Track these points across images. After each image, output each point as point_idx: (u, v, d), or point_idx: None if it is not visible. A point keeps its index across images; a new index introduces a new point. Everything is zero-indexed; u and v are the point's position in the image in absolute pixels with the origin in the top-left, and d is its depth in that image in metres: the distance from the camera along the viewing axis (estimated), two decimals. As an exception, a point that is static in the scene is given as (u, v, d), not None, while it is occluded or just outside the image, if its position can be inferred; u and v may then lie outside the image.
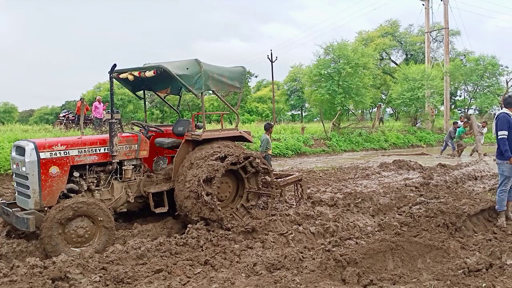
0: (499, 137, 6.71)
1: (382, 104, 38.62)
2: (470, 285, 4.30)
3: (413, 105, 29.25)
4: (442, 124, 32.66)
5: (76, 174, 6.26)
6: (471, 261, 4.96)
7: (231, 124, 28.24)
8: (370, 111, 47.31)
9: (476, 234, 6.48)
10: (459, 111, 44.43)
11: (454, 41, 43.49)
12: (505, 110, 6.83)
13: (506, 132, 6.63)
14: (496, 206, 6.97)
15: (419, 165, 13.97)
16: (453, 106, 43.30)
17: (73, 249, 5.69)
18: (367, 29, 47.26)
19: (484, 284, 4.24)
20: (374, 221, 7.41)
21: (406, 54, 47.58)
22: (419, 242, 5.42)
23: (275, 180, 7.66)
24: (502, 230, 6.54)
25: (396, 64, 46.35)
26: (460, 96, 46.29)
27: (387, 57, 47.38)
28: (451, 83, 33.87)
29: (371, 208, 7.96)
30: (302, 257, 5.32)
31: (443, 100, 31.99)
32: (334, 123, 25.58)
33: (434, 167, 13.74)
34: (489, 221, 6.99)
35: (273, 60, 33.00)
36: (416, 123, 31.17)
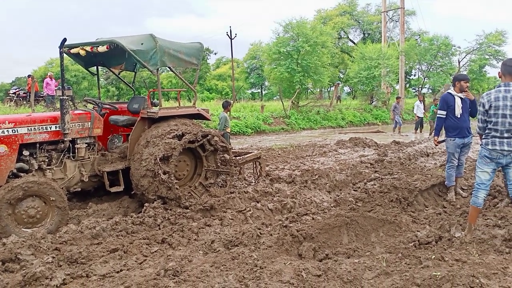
0: (437, 116, 7.20)
1: (340, 82, 39.14)
2: (420, 257, 4.47)
3: (369, 83, 29.81)
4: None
5: (26, 153, 6.01)
6: (421, 234, 5.17)
7: (190, 101, 27.90)
8: (328, 89, 47.88)
9: (427, 209, 6.73)
10: (413, 90, 45.74)
11: (410, 21, 44.50)
12: (450, 90, 7.11)
13: (444, 112, 7.01)
14: (446, 182, 7.25)
15: (375, 143, 14.32)
16: (407, 85, 44.47)
17: (24, 230, 5.51)
18: (325, 8, 47.42)
19: (433, 256, 4.43)
20: (330, 197, 7.56)
21: (364, 33, 48.23)
22: (373, 217, 5.58)
23: (234, 158, 7.65)
24: (451, 204, 6.82)
25: (354, 43, 46.95)
26: (414, 76, 47.57)
27: (345, 36, 47.87)
28: (406, 62, 34.71)
29: (327, 184, 8.12)
30: (260, 233, 5.37)
31: (398, 79, 32.78)
32: (293, 102, 25.76)
33: (388, 144, 14.13)
34: (440, 195, 7.27)
35: (232, 37, 32.63)
36: (372, 102, 31.86)
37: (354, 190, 7.96)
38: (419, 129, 20.09)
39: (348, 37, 48.40)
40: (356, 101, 34.16)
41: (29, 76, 22.10)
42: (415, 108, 20.41)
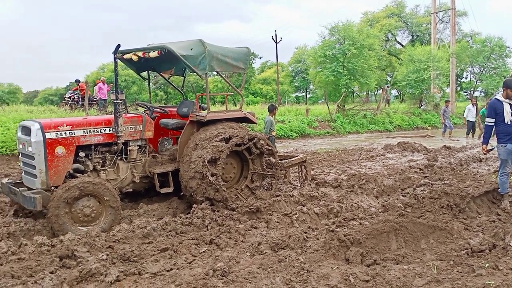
0: (485, 123, 6.98)
1: (389, 85, 38.29)
2: (473, 265, 4.34)
3: (418, 87, 29.03)
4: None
5: (82, 154, 6.31)
6: (474, 242, 5.00)
7: (235, 105, 28.18)
8: (375, 93, 47.02)
9: (479, 216, 6.50)
10: (465, 93, 44.12)
11: (461, 22, 42.97)
12: (498, 95, 6.87)
13: (492, 120, 6.79)
14: (499, 189, 6.98)
15: (424, 147, 13.94)
16: (458, 88, 42.94)
17: (80, 228, 5.76)
18: (372, 10, 46.60)
19: (487, 265, 4.28)
20: (378, 202, 7.44)
21: (412, 35, 47.03)
22: (422, 223, 5.46)
23: (279, 161, 7.69)
24: (506, 212, 6.56)
25: (402, 46, 45.87)
26: (466, 78, 45.89)
27: (392, 38, 46.87)
28: (457, 65, 33.54)
29: (375, 189, 8.00)
30: (306, 237, 5.38)
31: (449, 82, 31.74)
32: (339, 105, 25.48)
33: (439, 149, 13.72)
34: (493, 203, 7.00)
35: (277, 41, 32.72)
36: (421, 105, 31.00)
37: (402, 196, 7.80)
38: (470, 133, 19.36)
39: (395, 39, 47.38)
40: (404, 105, 33.33)
41: (76, 81, 23.00)
42: (466, 111, 19.70)
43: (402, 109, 30.29)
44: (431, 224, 5.47)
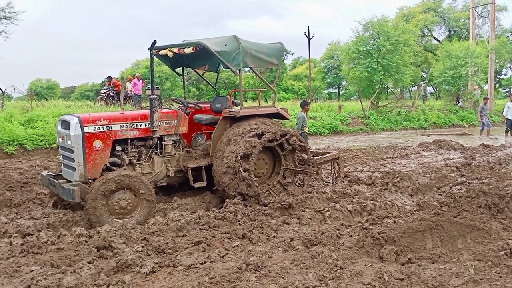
0: None
1: (425, 82, 37.39)
2: (512, 266, 4.21)
3: (455, 83, 28.25)
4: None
5: (118, 148, 6.46)
6: (514, 243, 4.85)
7: (266, 102, 28.19)
8: (410, 89, 46.03)
9: (519, 216, 6.28)
10: (504, 90, 42.67)
11: (500, 17, 41.65)
12: None
13: None
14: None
15: (461, 145, 13.57)
16: (497, 85, 41.58)
17: (116, 220, 5.91)
18: (408, 5, 45.57)
19: (527, 266, 4.15)
20: (413, 201, 7.31)
21: (449, 31, 45.73)
22: (459, 222, 5.32)
23: (312, 158, 7.65)
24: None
25: (439, 41, 44.68)
26: (505, 75, 44.37)
27: (429, 34, 45.68)
28: (496, 61, 32.49)
29: (409, 187, 7.86)
30: (339, 234, 5.34)
31: (487, 79, 30.75)
32: (373, 102, 25.09)
33: (476, 147, 13.33)
34: (535, 203, 6.75)
35: (310, 37, 32.48)
36: (458, 102, 30.16)
37: (438, 194, 7.63)
38: (510, 132, 18.72)
39: (432, 34, 46.16)
40: (440, 102, 32.51)
41: (108, 77, 23.44)
42: (505, 109, 19.06)
43: (438, 106, 29.54)
44: (469, 224, 5.33)
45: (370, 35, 25.52)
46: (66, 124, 6.24)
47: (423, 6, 44.10)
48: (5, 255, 4.81)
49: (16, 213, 6.50)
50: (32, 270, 4.34)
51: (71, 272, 4.18)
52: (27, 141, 12.79)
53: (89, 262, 4.52)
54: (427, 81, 37.95)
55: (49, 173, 6.86)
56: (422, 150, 13.29)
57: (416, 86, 33.88)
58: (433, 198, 7.36)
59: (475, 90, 29.20)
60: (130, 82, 22.02)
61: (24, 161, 11.67)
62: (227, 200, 6.61)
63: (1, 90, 18.59)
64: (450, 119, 26.68)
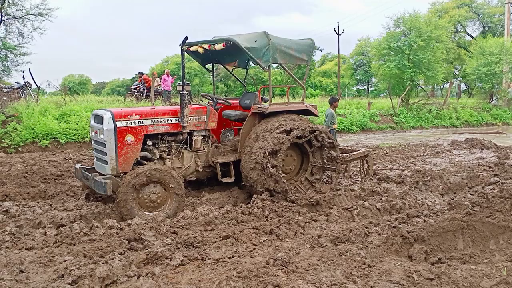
0: None
1: (459, 79, 36.46)
2: (546, 269, 4.10)
3: (489, 81, 27.49)
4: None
5: (149, 142, 6.57)
6: (549, 245, 4.71)
7: (294, 98, 28.08)
8: (442, 87, 45.05)
9: (555, 218, 6.09)
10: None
11: (538, 12, 40.02)
12: None
13: None
14: None
15: (494, 144, 13.22)
16: (534, 83, 40.17)
17: (146, 213, 6.01)
18: (441, 0, 44.39)
19: None
20: (444, 200, 7.18)
21: (484, 27, 44.48)
22: (492, 223, 5.20)
23: (340, 155, 7.60)
24: None
25: (472, 37, 43.53)
26: (542, 72, 42.80)
27: (462, 30, 44.57)
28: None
29: (440, 186, 7.72)
30: (368, 232, 5.30)
31: (523, 76, 29.79)
32: (403, 99, 24.69)
33: (510, 146, 12.96)
34: None
35: (339, 33, 32.18)
36: (492, 100, 29.34)
37: (470, 194, 7.47)
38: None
39: (465, 30, 45.01)
40: (473, 100, 31.70)
41: (139, 73, 23.73)
42: None
43: (471, 104, 28.85)
44: (501, 224, 5.20)
45: (401, 31, 25.12)
46: (99, 119, 6.39)
47: (456, 1, 43.00)
48: (40, 245, 4.97)
49: (50, 205, 6.70)
50: (66, 260, 4.48)
51: (103, 263, 4.29)
52: (61, 135, 13.17)
53: (120, 254, 4.62)
54: (461, 78, 37.02)
55: (82, 166, 7.03)
56: (454, 149, 13.02)
57: (448, 83, 33.16)
58: (464, 197, 7.21)
59: (510, 87, 28.35)
60: (154, 78, 22.24)
61: (58, 154, 12.02)
62: (254, 195, 6.64)
63: (36, 85, 19.14)
64: (483, 117, 26.02)
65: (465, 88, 43.63)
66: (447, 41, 27.17)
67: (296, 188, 7.04)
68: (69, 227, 5.42)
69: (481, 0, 44.16)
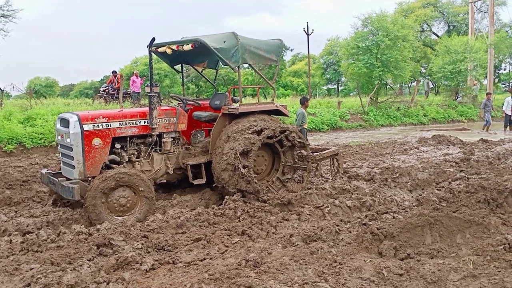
0: None
1: (428, 77, 37.26)
2: (510, 260, 4.22)
3: (454, 78, 28.22)
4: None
5: (117, 145, 6.46)
6: (512, 237, 4.86)
7: (265, 98, 28.15)
8: (409, 85, 46.02)
9: (518, 211, 6.30)
10: (503, 85, 42.66)
11: (500, 12, 41.64)
12: None
13: None
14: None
15: (460, 140, 13.58)
16: (496, 80, 41.56)
17: (116, 217, 5.92)
18: (407, 0, 45.37)
19: (526, 261, 4.16)
20: (412, 196, 7.32)
21: (448, 26, 45.71)
22: (458, 218, 5.33)
23: (311, 154, 7.66)
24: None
25: (438, 36, 44.65)
26: (504, 70, 44.34)
27: (428, 29, 45.67)
28: (496, 56, 32.45)
29: (409, 183, 7.87)
30: (339, 229, 5.35)
31: (486, 74, 30.74)
32: (372, 97, 25.08)
33: (475, 142, 13.34)
34: (533, 197, 6.76)
35: (309, 33, 32.43)
36: (457, 98, 30.15)
37: (437, 190, 7.64)
38: (508, 126, 18.72)
39: (431, 30, 46.13)
40: (439, 97, 32.49)
41: (113, 72, 23.27)
42: (505, 104, 19.06)
43: (437, 101, 29.55)
44: (467, 219, 5.34)
45: (369, 31, 25.48)
46: (65, 122, 6.24)
47: (422, 1, 44.06)
48: (5, 253, 4.82)
49: (16, 211, 6.51)
50: (32, 268, 4.36)
51: (71, 270, 4.19)
52: (26, 139, 12.80)
53: (89, 260, 4.52)
54: (429, 76, 37.89)
55: (48, 171, 6.86)
56: (421, 146, 13.30)
57: (416, 82, 33.88)
58: (432, 193, 7.36)
59: (474, 85, 29.20)
60: (115, 78, 21.94)
61: (24, 159, 11.68)
62: (226, 196, 6.62)
63: (0, 89, 18.58)
64: (449, 114, 26.69)
65: (432, 86, 44.73)
66: (413, 40, 27.74)
67: (268, 188, 7.06)
68: (36, 234, 5.27)
69: (445, 0, 45.37)
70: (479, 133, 18.24)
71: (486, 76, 31.14)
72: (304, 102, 11.03)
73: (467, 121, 25.88)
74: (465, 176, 8.28)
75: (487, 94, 21.08)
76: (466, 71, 27.98)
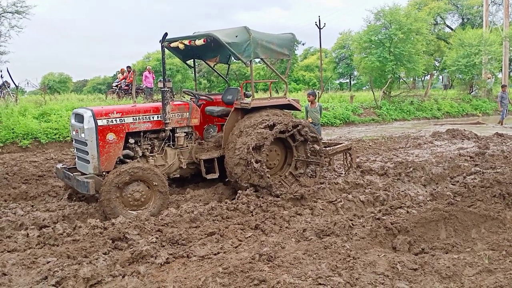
0: None
1: (446, 71, 36.77)
2: (527, 256, 4.18)
3: (469, 72, 27.85)
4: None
5: (131, 140, 6.51)
6: (528, 232, 4.81)
7: (277, 93, 28.11)
8: (423, 79, 45.53)
9: (534, 205, 6.22)
10: (519, 79, 41.94)
11: (516, 3, 40.69)
12: None
13: None
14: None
15: (474, 135, 13.43)
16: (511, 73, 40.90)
17: (130, 212, 5.97)
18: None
19: (542, 256, 4.11)
20: (426, 191, 7.27)
21: (463, 19, 45.05)
22: (473, 212, 5.28)
23: (323, 148, 7.63)
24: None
25: (451, 29, 44.07)
26: (519, 62, 43.57)
27: (441, 22, 45.07)
28: (511, 48, 31.86)
29: (422, 177, 7.81)
30: (352, 224, 5.34)
31: (501, 67, 30.27)
32: (385, 92, 24.88)
33: (490, 136, 13.18)
34: (549, 192, 6.67)
35: (321, 27, 32.23)
36: (472, 91, 29.76)
37: (452, 184, 7.58)
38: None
39: (445, 22, 45.52)
40: (453, 91, 32.10)
41: (127, 67, 23.38)
42: None
43: (451, 95, 29.21)
44: (483, 213, 5.29)
45: (381, 24, 25.25)
46: (79, 117, 6.30)
47: (435, -7, 43.43)
48: (22, 247, 4.90)
49: (32, 206, 6.61)
50: (49, 261, 4.42)
51: (87, 263, 4.24)
52: (41, 135, 12.96)
53: (105, 253, 4.57)
54: (439, 70, 37.44)
55: (63, 166, 6.93)
56: (435, 140, 13.19)
57: (429, 75, 33.51)
58: (446, 188, 7.31)
59: (489, 78, 28.79)
60: (122, 74, 22.07)
61: (39, 154, 11.83)
62: (239, 191, 6.64)
63: (15, 85, 18.81)
64: (463, 108, 26.37)
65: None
66: (427, 33, 27.43)
67: (280, 183, 7.06)
68: (52, 228, 5.35)
69: (459, -8, 44.69)
70: (494, 126, 18.01)
71: (501, 70, 30.66)
72: (308, 97, 10.86)
73: (481, 115, 25.54)
74: (480, 171, 8.20)
75: (502, 86, 20.76)
76: (480, 65, 27.59)
